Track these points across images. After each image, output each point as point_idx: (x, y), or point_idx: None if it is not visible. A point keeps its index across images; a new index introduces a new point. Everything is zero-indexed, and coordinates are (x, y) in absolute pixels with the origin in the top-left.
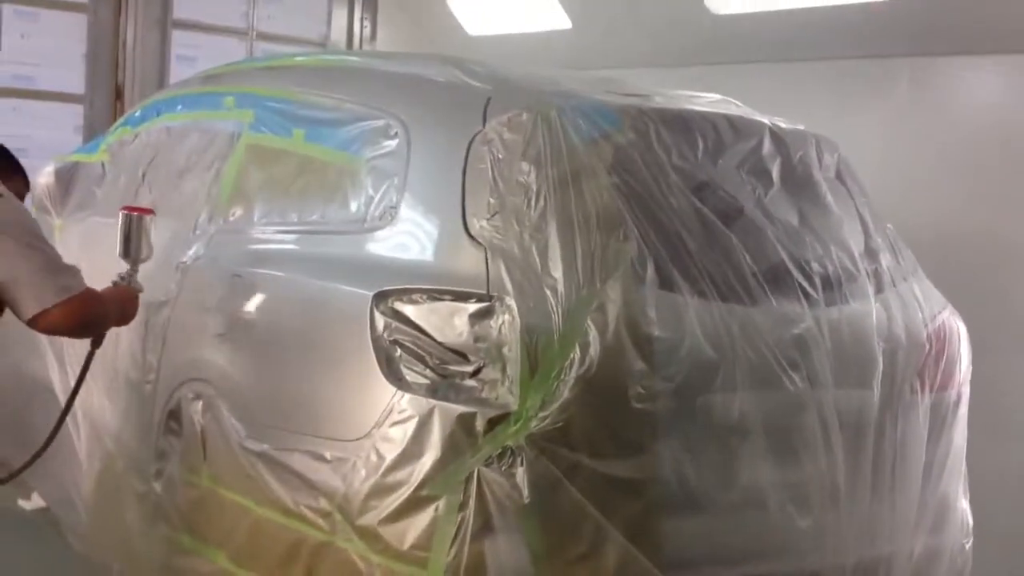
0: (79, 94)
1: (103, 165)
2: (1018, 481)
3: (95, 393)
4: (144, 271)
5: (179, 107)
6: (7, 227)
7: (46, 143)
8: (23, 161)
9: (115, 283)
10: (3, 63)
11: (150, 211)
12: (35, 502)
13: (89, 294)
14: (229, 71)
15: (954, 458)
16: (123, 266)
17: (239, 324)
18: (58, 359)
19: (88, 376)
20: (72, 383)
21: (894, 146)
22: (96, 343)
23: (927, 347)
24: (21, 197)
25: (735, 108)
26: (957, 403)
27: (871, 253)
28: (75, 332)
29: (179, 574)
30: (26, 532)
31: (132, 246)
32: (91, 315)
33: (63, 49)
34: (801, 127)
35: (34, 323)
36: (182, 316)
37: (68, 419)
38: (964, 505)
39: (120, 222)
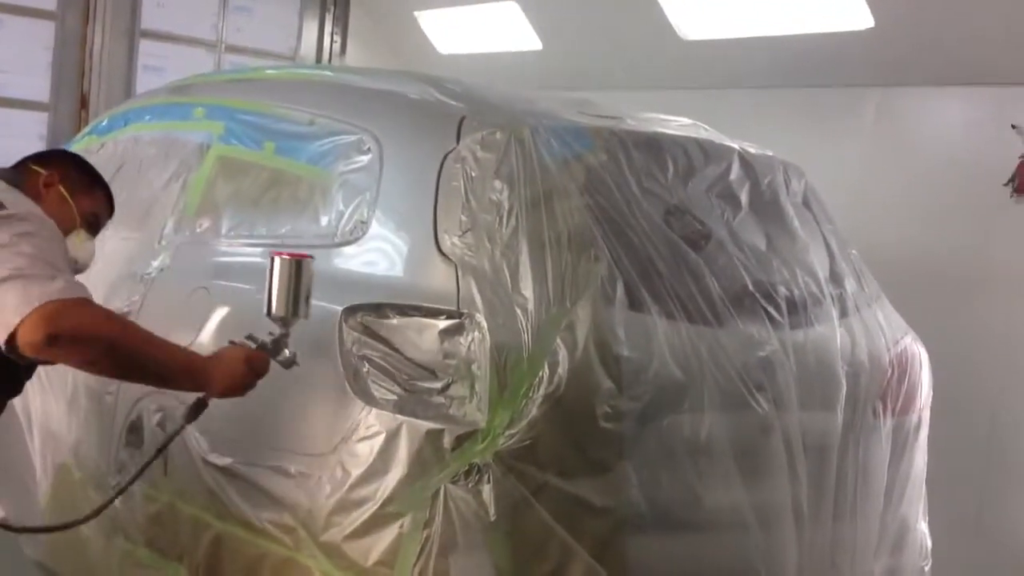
0: (43, 102)
1: None
2: (977, 505)
3: (53, 402)
4: (107, 281)
5: (147, 117)
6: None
7: (8, 151)
8: None
9: (234, 342)
10: None
11: (307, 256)
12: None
13: (78, 303)
14: (199, 82)
15: (914, 481)
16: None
17: (204, 337)
18: None
19: (46, 384)
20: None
21: (860, 174)
22: (191, 416)
23: (889, 372)
24: (96, 216)
25: (705, 132)
26: (918, 427)
27: (836, 278)
28: (52, 348)
29: None
30: None
31: (278, 299)
32: (72, 329)
33: (28, 56)
34: (769, 153)
35: (12, 350)
36: (146, 327)
37: (25, 428)
38: (923, 528)
39: (270, 270)
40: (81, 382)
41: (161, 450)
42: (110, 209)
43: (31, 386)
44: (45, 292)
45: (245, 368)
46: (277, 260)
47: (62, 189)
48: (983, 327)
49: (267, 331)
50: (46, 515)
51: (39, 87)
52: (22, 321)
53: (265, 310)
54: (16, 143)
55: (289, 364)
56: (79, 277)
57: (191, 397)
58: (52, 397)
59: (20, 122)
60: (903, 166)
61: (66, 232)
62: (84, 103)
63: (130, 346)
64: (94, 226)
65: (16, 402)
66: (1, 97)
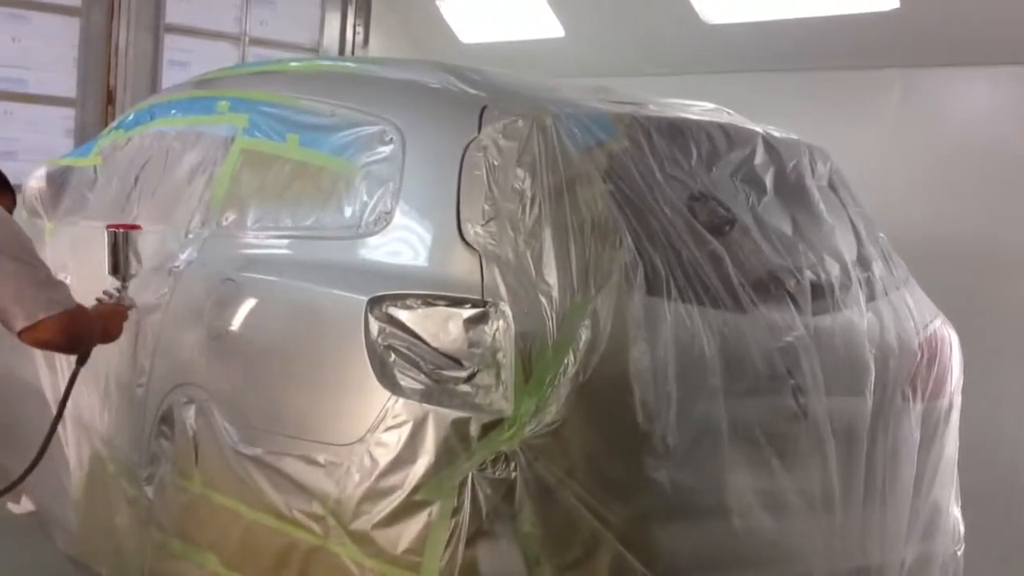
0: (71, 98)
1: (95, 169)
2: (1008, 488)
3: (86, 396)
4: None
5: (173, 111)
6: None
7: (37, 147)
8: (12, 165)
9: (99, 300)
10: None
11: (136, 227)
12: (24, 506)
13: (78, 310)
14: (223, 75)
15: (946, 466)
16: (105, 283)
17: (232, 328)
18: (48, 364)
19: (79, 379)
20: (62, 388)
21: (886, 156)
22: (81, 360)
23: (919, 355)
24: (9, 211)
25: (728, 117)
26: (949, 411)
27: (863, 262)
28: (63, 346)
29: None
30: (16, 536)
31: (120, 263)
32: (79, 330)
33: (55, 53)
34: (794, 136)
35: (23, 336)
36: (174, 320)
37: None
38: (956, 512)
39: (106, 240)
40: (112, 375)
41: (65, 397)
42: (14, 205)
43: (62, 379)
44: (57, 300)
45: (122, 319)
46: (107, 233)
47: None
48: (1012, 310)
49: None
50: (79, 507)
51: (66, 83)
52: (44, 319)
53: (109, 271)
54: (44, 139)
55: (132, 307)
56: None
57: (221, 385)
58: (84, 390)
59: (48, 118)
60: (929, 148)
61: None
62: (110, 98)
63: (94, 333)
64: None
65: (48, 396)
66: (29, 94)
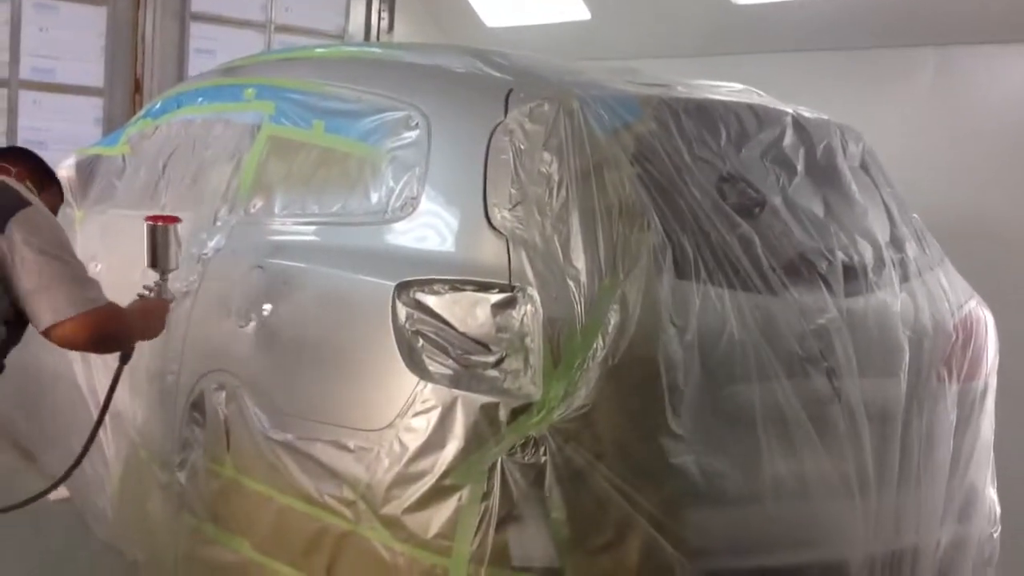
0: (98, 87)
1: (123, 157)
2: None
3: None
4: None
5: (199, 99)
6: (32, 236)
7: (66, 136)
8: (42, 154)
9: (141, 295)
10: (23, 56)
11: (175, 219)
12: (59, 493)
13: (109, 309)
14: (249, 63)
15: (981, 447)
16: (135, 272)
17: (261, 315)
18: (80, 352)
19: (112, 368)
20: (94, 374)
21: (920, 136)
22: (124, 359)
23: (954, 336)
24: (54, 208)
25: (757, 97)
26: (984, 393)
27: (897, 242)
28: (90, 346)
29: (203, 564)
30: (50, 523)
31: (160, 256)
32: (108, 331)
33: (82, 42)
34: (825, 116)
35: (48, 334)
36: (204, 307)
37: (92, 409)
38: (992, 494)
39: (145, 233)
40: (143, 364)
41: (108, 397)
42: (62, 201)
43: (97, 371)
44: (88, 298)
45: (164, 314)
46: (146, 226)
47: (30, 184)
48: None
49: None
50: (113, 494)
51: (94, 72)
52: (70, 318)
53: (148, 264)
54: (73, 128)
55: (173, 300)
56: None
57: (251, 372)
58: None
59: (77, 108)
60: (965, 127)
61: None
62: (138, 87)
63: (131, 332)
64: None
65: (82, 384)
66: (57, 83)
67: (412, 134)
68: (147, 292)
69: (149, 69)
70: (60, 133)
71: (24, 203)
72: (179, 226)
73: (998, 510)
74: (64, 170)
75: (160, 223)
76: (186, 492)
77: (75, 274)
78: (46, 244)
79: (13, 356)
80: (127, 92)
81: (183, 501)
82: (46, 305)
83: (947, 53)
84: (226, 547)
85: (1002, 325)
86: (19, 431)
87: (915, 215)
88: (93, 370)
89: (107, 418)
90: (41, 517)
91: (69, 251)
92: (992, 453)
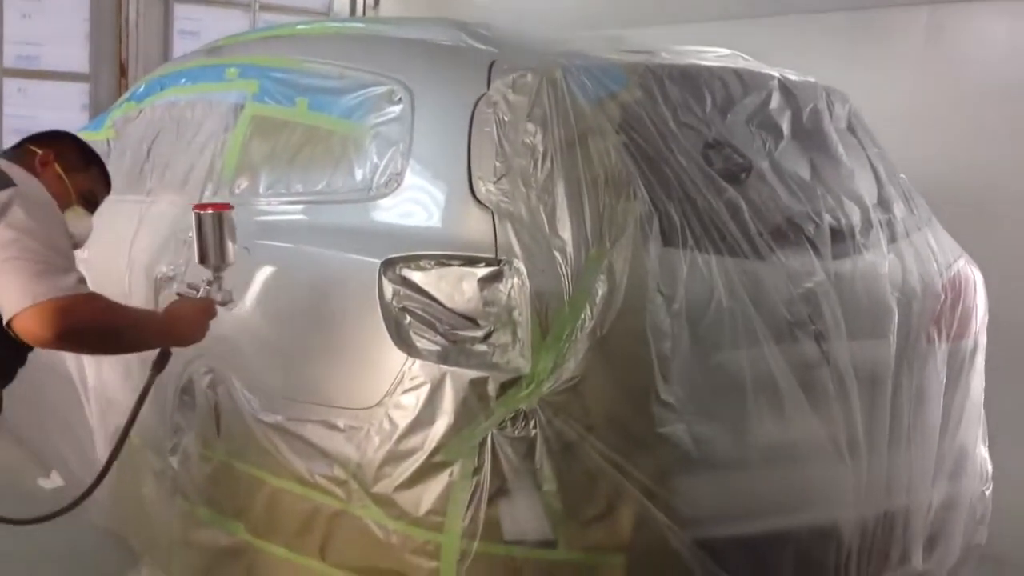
0: (84, 73)
1: (108, 142)
2: None
3: (107, 370)
4: (153, 244)
5: (182, 80)
6: (8, 229)
7: (53, 122)
8: None
9: (180, 295)
10: (7, 44)
11: (226, 205)
12: (54, 480)
13: (82, 299)
14: (232, 43)
15: (972, 406)
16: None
17: (248, 297)
18: None
19: (104, 356)
20: (84, 364)
21: (911, 98)
22: (157, 367)
23: (942, 296)
24: (92, 193)
25: (743, 62)
26: (974, 352)
27: (884, 203)
28: (57, 339)
29: (198, 547)
30: (46, 510)
31: (210, 250)
32: (77, 322)
33: (66, 28)
34: (811, 79)
35: (11, 330)
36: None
37: (81, 395)
38: (983, 452)
39: (193, 224)
40: None
41: (136, 410)
42: (106, 185)
43: (87, 360)
44: (54, 286)
45: (203, 317)
46: (201, 215)
47: (58, 167)
48: None
49: (202, 279)
50: (108, 480)
51: (79, 58)
52: (24, 310)
53: (198, 259)
54: (60, 115)
55: (227, 302)
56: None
57: (239, 355)
58: (107, 365)
59: (63, 94)
60: (958, 87)
61: (63, 208)
62: (123, 71)
63: (123, 330)
64: (91, 203)
65: (72, 371)
66: (42, 70)
67: (395, 109)
68: (193, 292)
69: (134, 53)
70: (46, 121)
71: (7, 184)
72: (231, 213)
73: (990, 468)
74: None
75: (210, 210)
76: (179, 476)
77: (45, 261)
78: (17, 231)
79: None
80: (113, 77)
81: (176, 485)
82: (9, 295)
83: (937, 11)
84: (220, 530)
85: (992, 283)
86: (13, 424)
87: (902, 175)
88: (82, 358)
89: (96, 403)
90: (36, 505)
91: (47, 239)
92: (983, 411)
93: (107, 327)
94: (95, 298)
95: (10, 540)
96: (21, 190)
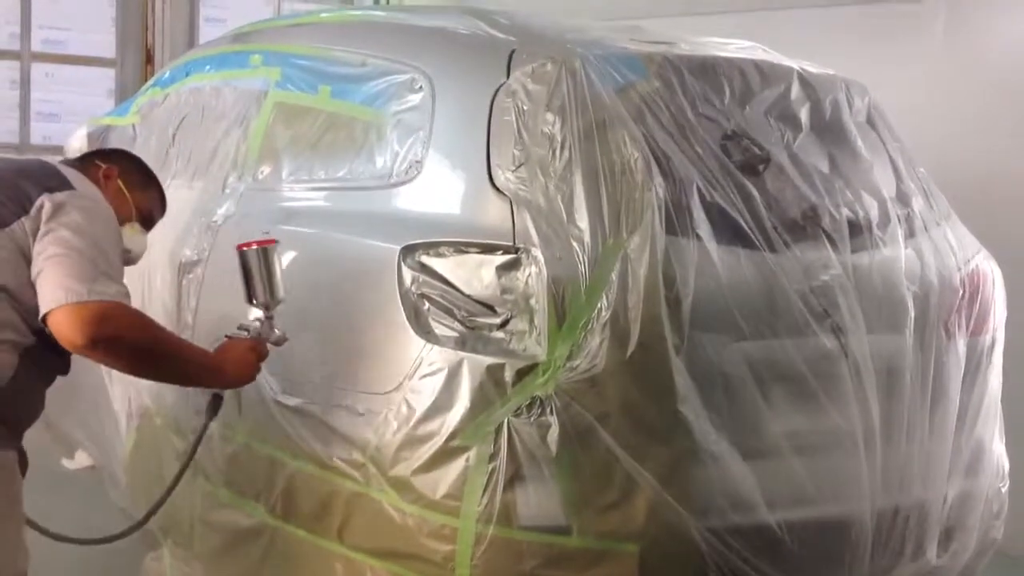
0: (110, 58)
1: (134, 127)
2: None
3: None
4: (177, 230)
5: (207, 67)
6: (56, 218)
7: (79, 107)
8: (55, 127)
9: (229, 336)
10: (34, 28)
11: (271, 241)
12: (79, 461)
13: (120, 308)
14: (257, 29)
15: (989, 402)
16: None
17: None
18: None
19: None
20: None
21: (930, 91)
22: (211, 411)
23: (960, 291)
24: (151, 212)
25: (763, 54)
26: (992, 347)
27: (903, 198)
28: (88, 345)
29: (218, 527)
30: (71, 491)
31: (258, 289)
32: (116, 333)
33: (93, 13)
34: (831, 72)
35: (46, 326)
36: (215, 275)
37: (105, 378)
38: (1000, 448)
39: (239, 262)
40: None
41: (193, 452)
42: (163, 208)
43: None
44: (95, 290)
45: (253, 358)
46: (246, 252)
47: (120, 183)
48: None
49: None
50: (129, 461)
51: (106, 43)
52: (60, 308)
53: (246, 299)
54: (86, 100)
55: (281, 342)
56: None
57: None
58: None
59: (89, 79)
60: (977, 80)
61: (121, 223)
62: (149, 57)
63: (162, 353)
64: (148, 221)
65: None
66: (69, 55)
67: (416, 97)
68: (242, 332)
69: (160, 39)
70: (73, 105)
71: (67, 186)
72: (277, 250)
73: (1007, 464)
74: (76, 141)
75: (255, 247)
76: (200, 458)
77: (92, 262)
78: (70, 230)
79: None
80: (139, 62)
81: (198, 467)
82: (42, 290)
83: (957, 3)
84: (240, 511)
85: (1012, 279)
86: (50, 410)
87: (922, 169)
88: None
89: (119, 384)
90: (61, 486)
91: (97, 244)
92: (1000, 407)
93: (145, 345)
94: (139, 314)
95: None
96: (79, 193)
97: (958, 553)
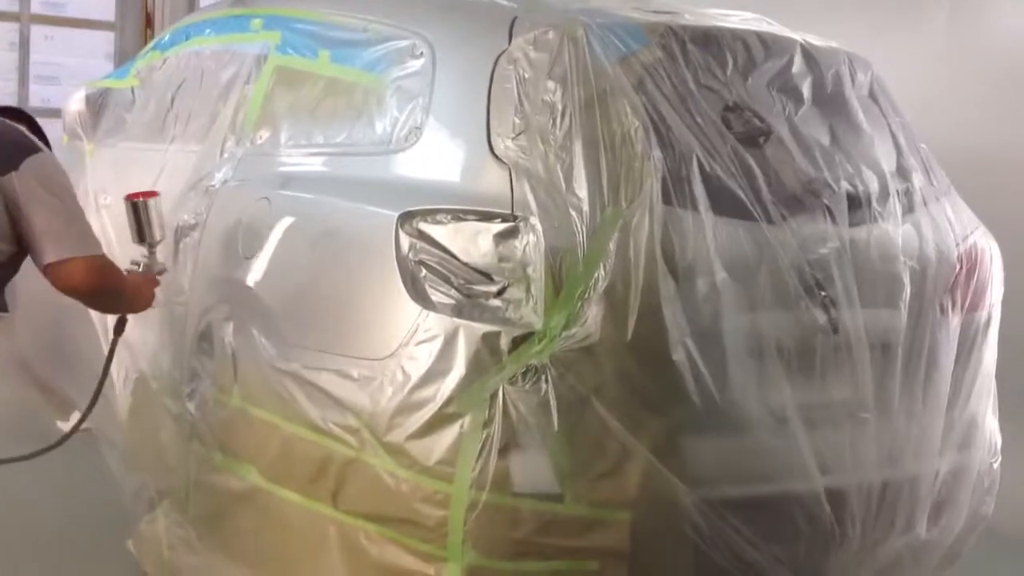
0: (110, 21)
1: (133, 90)
2: None
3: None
4: (174, 194)
5: (207, 31)
6: (47, 178)
7: (78, 70)
8: (54, 89)
9: (129, 270)
10: None
11: (154, 193)
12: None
13: (112, 264)
14: None
15: (983, 378)
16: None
17: (267, 246)
18: None
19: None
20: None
21: (934, 70)
22: (119, 330)
23: (958, 267)
24: None
25: (767, 26)
26: (988, 323)
27: (903, 172)
28: (89, 293)
29: (213, 490)
30: (68, 453)
31: (145, 231)
32: (108, 283)
33: None
34: (834, 44)
35: (49, 272)
36: (211, 239)
37: (102, 341)
38: (993, 424)
39: (127, 210)
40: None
41: (107, 366)
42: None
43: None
44: (98, 246)
45: (152, 286)
46: (126, 204)
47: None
48: None
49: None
50: (125, 424)
51: (105, 6)
52: (77, 258)
53: (135, 240)
54: (85, 62)
55: (162, 271)
56: None
57: (257, 302)
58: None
59: (89, 42)
60: (980, 60)
61: None
62: (149, 21)
63: (123, 294)
64: None
65: (95, 318)
66: (69, 17)
67: (416, 63)
68: (135, 267)
69: (160, 2)
70: (72, 68)
71: (38, 148)
72: (158, 201)
73: (999, 440)
74: (74, 104)
75: (140, 199)
76: (196, 421)
77: (85, 222)
78: (59, 188)
79: (28, 293)
80: (138, 26)
81: (193, 430)
82: (55, 241)
83: None
84: (234, 474)
85: (1010, 256)
86: (37, 367)
87: (923, 145)
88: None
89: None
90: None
91: (77, 202)
92: (994, 383)
93: (118, 291)
94: (114, 264)
95: (30, 484)
96: (51, 156)
97: (948, 527)
